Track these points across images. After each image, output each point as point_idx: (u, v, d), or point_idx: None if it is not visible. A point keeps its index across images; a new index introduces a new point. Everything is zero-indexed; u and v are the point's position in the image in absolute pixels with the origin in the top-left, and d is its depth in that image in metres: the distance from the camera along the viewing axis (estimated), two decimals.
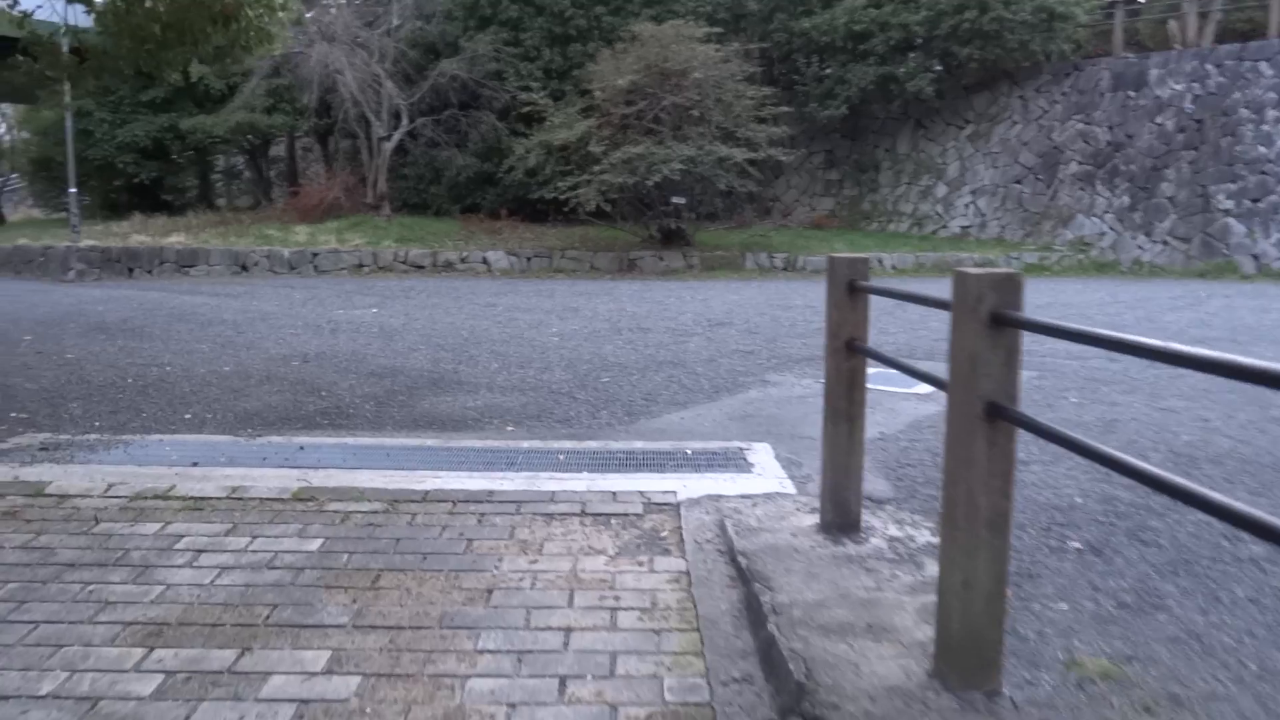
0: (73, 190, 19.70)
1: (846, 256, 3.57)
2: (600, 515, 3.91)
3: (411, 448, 4.90)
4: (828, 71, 20.95)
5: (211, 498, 4.12)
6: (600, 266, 17.35)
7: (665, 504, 4.09)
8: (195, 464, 4.59)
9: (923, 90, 19.71)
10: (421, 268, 17.28)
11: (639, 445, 4.97)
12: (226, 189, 32.08)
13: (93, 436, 5.04)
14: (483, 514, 3.91)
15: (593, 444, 4.99)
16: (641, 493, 4.23)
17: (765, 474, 4.53)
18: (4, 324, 9.56)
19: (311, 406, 5.78)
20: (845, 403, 3.62)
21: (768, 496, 4.21)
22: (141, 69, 8.15)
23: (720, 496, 4.19)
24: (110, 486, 4.28)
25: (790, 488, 4.33)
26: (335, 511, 3.95)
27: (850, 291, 3.55)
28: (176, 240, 17.69)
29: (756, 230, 19.77)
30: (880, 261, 17.81)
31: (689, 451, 4.84)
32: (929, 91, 19.83)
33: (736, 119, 16.83)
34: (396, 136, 20.37)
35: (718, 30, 17.93)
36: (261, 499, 4.10)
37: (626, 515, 3.93)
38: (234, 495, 4.15)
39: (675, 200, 17.10)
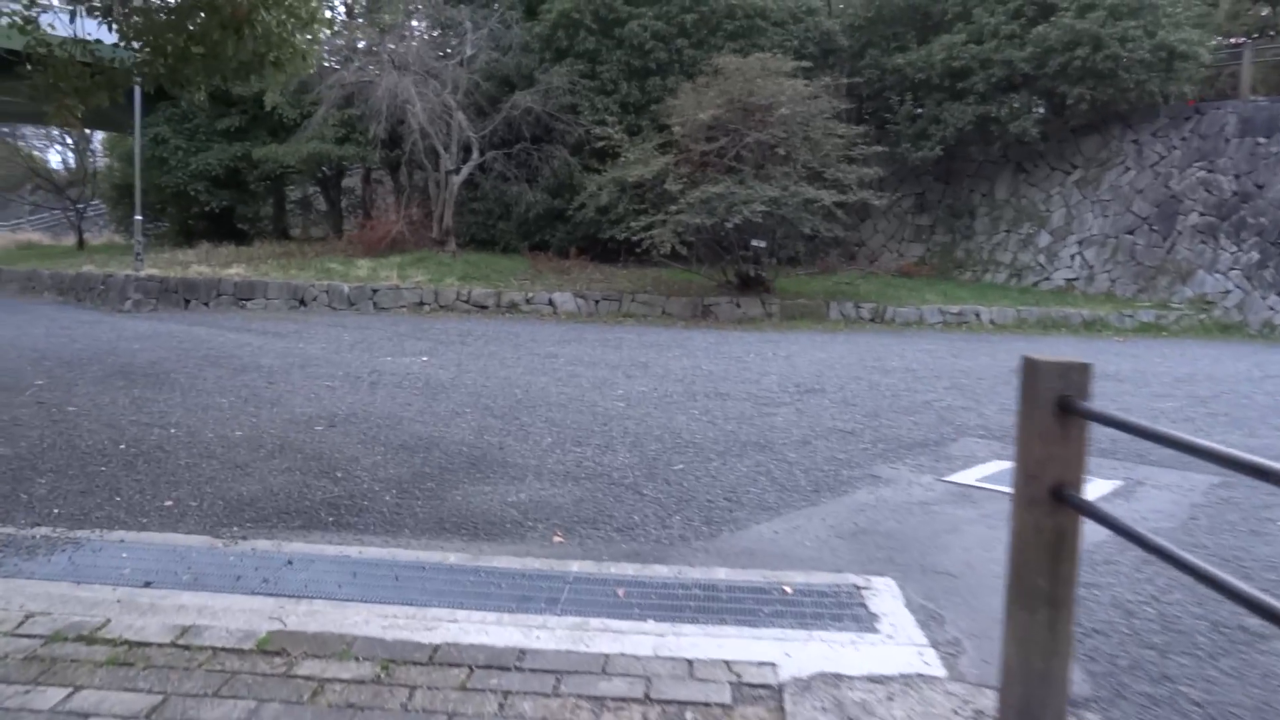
0: (138, 218, 19.40)
1: (1056, 363, 2.37)
2: (670, 705, 2.76)
3: (428, 566, 3.79)
4: (921, 110, 19.66)
5: (150, 643, 3.08)
6: (673, 313, 16.24)
7: (763, 686, 2.93)
8: (148, 583, 3.55)
9: (1026, 132, 18.30)
10: (484, 308, 16.39)
11: (722, 575, 3.79)
12: (302, 219, 31.96)
13: (41, 532, 4.04)
14: (507, 693, 2.80)
15: (662, 570, 3.83)
16: (728, 664, 3.06)
17: (896, 634, 3.31)
18: (25, 363, 8.81)
19: (320, 494, 4.72)
20: (1047, 580, 2.41)
21: (906, 681, 3.01)
22: (162, 85, 7.36)
23: (840, 678, 3.00)
24: (27, 618, 3.26)
25: (935, 663, 3.12)
26: (306, 678, 2.87)
27: (1062, 414, 2.35)
28: (236, 272, 17.11)
29: (841, 277, 18.47)
30: (978, 315, 16.38)
31: (788, 590, 3.65)
32: (1033, 133, 18.40)
33: (824, 158, 15.65)
34: (466, 170, 19.65)
35: (806, 64, 16.83)
36: (215, 649, 3.05)
37: (708, 707, 2.77)
38: (180, 641, 3.10)
39: (755, 244, 15.94)
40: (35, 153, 42.76)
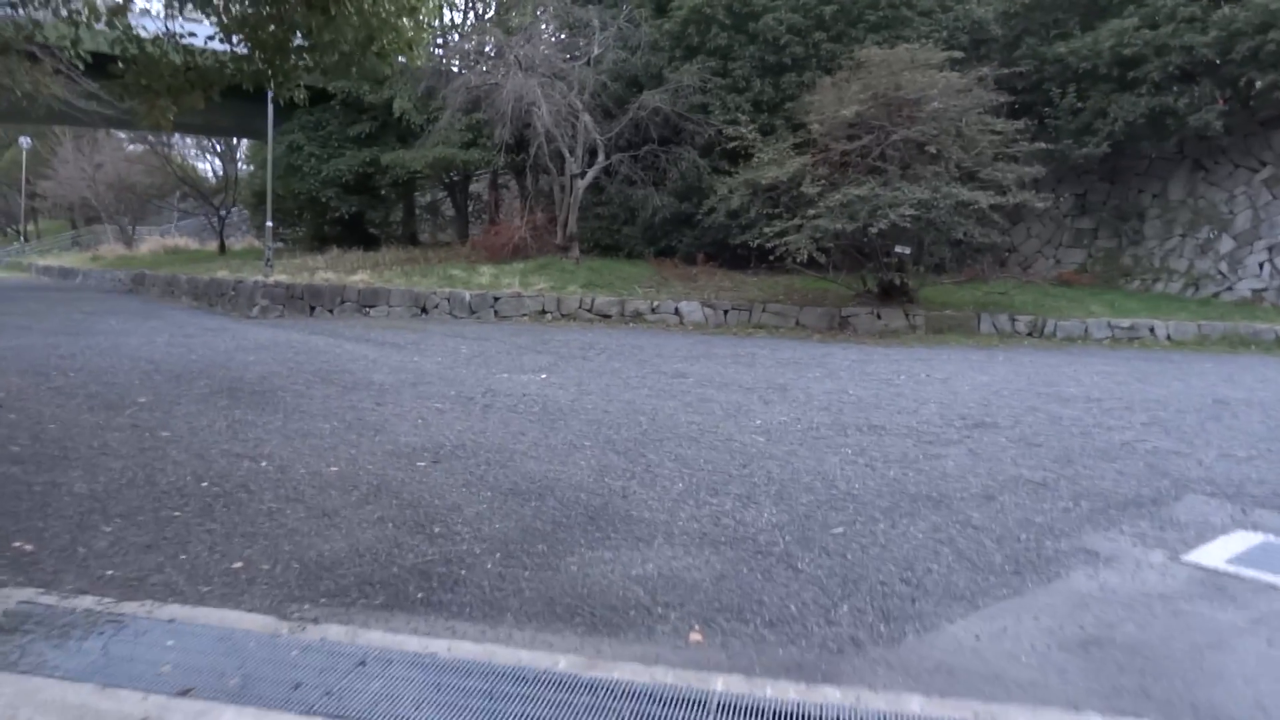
0: (268, 224, 19.60)
1: None
2: None
3: (532, 677, 2.96)
4: (1085, 103, 17.90)
5: None
6: (807, 324, 15.14)
7: None
8: (187, 690, 2.83)
9: (1209, 125, 16.36)
10: (608, 317, 15.68)
11: (917, 709, 2.83)
12: (431, 225, 32.15)
13: (84, 604, 3.40)
14: None
15: (835, 694, 2.90)
16: None
17: None
18: (136, 376, 8.50)
19: (411, 556, 3.97)
20: None
21: None
22: (261, 82, 6.82)
23: None
24: None
25: None
26: None
27: None
28: (360, 279, 16.94)
29: (992, 286, 16.94)
30: (1152, 330, 14.68)
31: None
32: (1216, 127, 16.44)
33: (979, 156, 14.28)
34: (591, 173, 19.02)
35: (958, 54, 15.45)
36: None
37: None
38: None
39: (899, 250, 14.69)
40: (189, 160, 44.92)
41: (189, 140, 43.90)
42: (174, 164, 38.90)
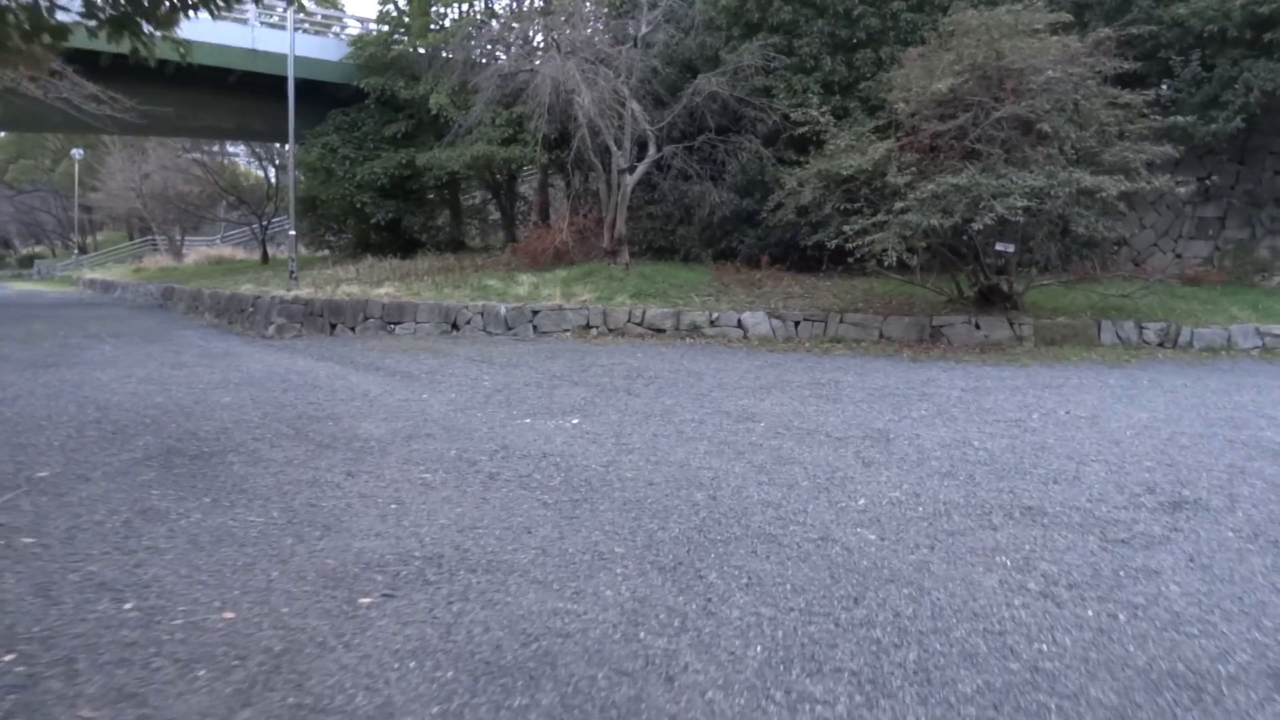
0: (291, 233, 18.06)
1: None
2: None
3: None
4: (1210, 72, 15.40)
5: None
6: (893, 336, 12.99)
7: None
8: None
9: None
10: (660, 331, 13.72)
11: None
12: (477, 228, 30.47)
13: None
14: None
15: None
16: None
17: None
18: (68, 432, 6.76)
19: None
20: None
21: None
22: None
23: None
24: None
25: None
26: None
27: None
28: (386, 292, 15.24)
29: (1107, 287, 14.55)
30: None
31: None
32: None
33: (1100, 135, 12.00)
34: (641, 168, 17.07)
35: (1066, 18, 13.13)
36: None
37: None
38: None
39: (1003, 248, 12.46)
40: (245, 168, 44.05)
41: (241, 149, 43.13)
42: (217, 172, 37.93)
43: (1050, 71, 11.68)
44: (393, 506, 4.95)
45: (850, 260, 12.77)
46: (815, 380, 9.54)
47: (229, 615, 3.51)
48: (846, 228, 12.07)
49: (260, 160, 39.75)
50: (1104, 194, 11.03)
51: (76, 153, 45.74)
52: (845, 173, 12.20)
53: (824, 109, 14.06)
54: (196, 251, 39.88)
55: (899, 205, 11.51)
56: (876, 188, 12.32)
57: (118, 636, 3.31)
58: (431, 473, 5.67)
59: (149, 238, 46.19)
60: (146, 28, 5.35)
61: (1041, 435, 6.82)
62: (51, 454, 6.04)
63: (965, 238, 12.18)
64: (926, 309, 13.52)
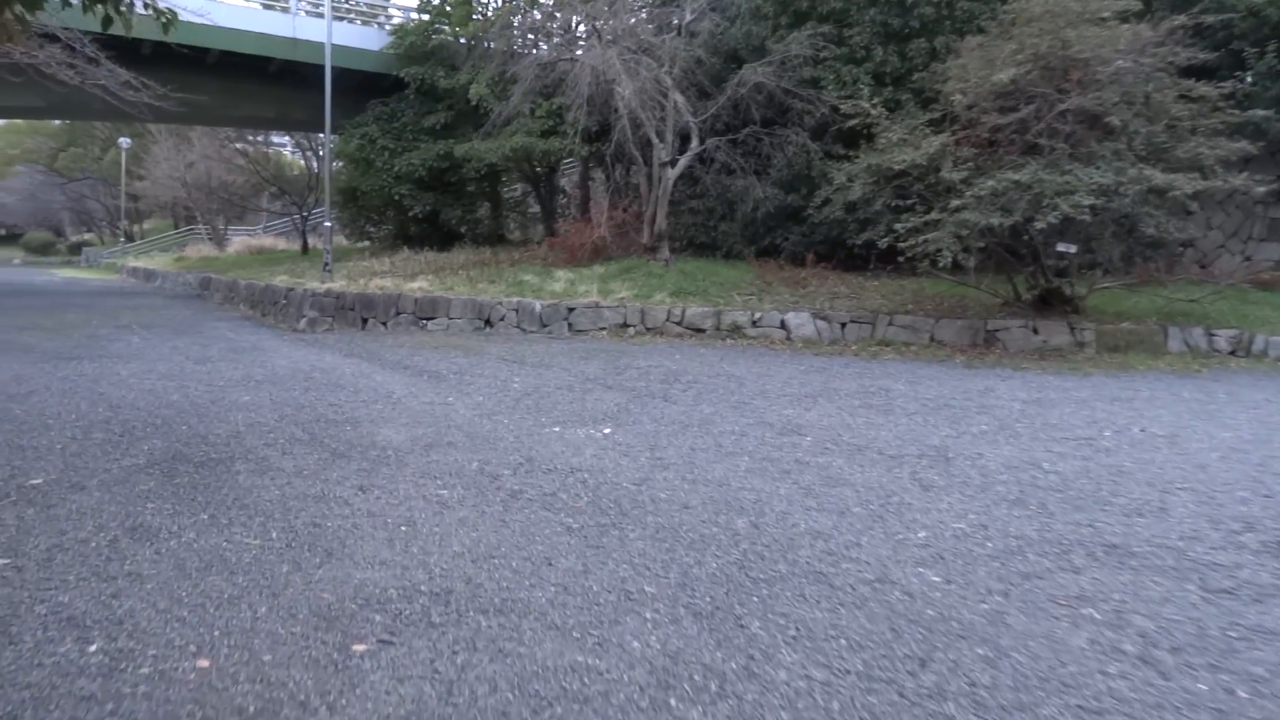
0: (327, 225, 17.78)
1: None
2: None
3: None
4: None
5: None
6: (945, 340, 12.36)
7: None
8: None
9: None
10: (700, 331, 13.21)
11: None
12: (517, 221, 30.10)
13: None
14: None
15: None
16: None
17: None
18: (73, 432, 6.42)
19: None
20: None
21: None
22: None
23: None
24: None
25: None
26: None
27: None
28: (419, 287, 14.89)
29: (1173, 291, 13.75)
30: None
31: None
32: None
33: (1172, 130, 11.27)
34: (683, 161, 16.54)
35: (1135, 5, 12.36)
36: None
37: None
38: None
39: (1064, 249, 11.77)
40: (290, 157, 44.18)
41: (287, 139, 43.20)
42: (260, 161, 38.00)
43: (1119, 62, 10.97)
44: (403, 528, 4.52)
45: (902, 259, 12.15)
46: (864, 388, 8.98)
47: (203, 663, 3.08)
48: (898, 226, 11.48)
49: (303, 150, 39.79)
50: (1178, 193, 10.33)
51: (124, 141, 46.17)
52: (898, 168, 11.62)
53: (875, 101, 13.45)
54: (239, 241, 40.03)
55: (955, 203, 10.89)
56: (930, 184, 11.72)
57: (74, 688, 2.90)
58: (449, 489, 5.23)
59: (193, 227, 46.57)
60: None
61: (1116, 456, 6.22)
62: (51, 458, 5.70)
63: (1025, 237, 11.52)
64: (980, 312, 12.87)
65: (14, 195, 65.68)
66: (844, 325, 12.90)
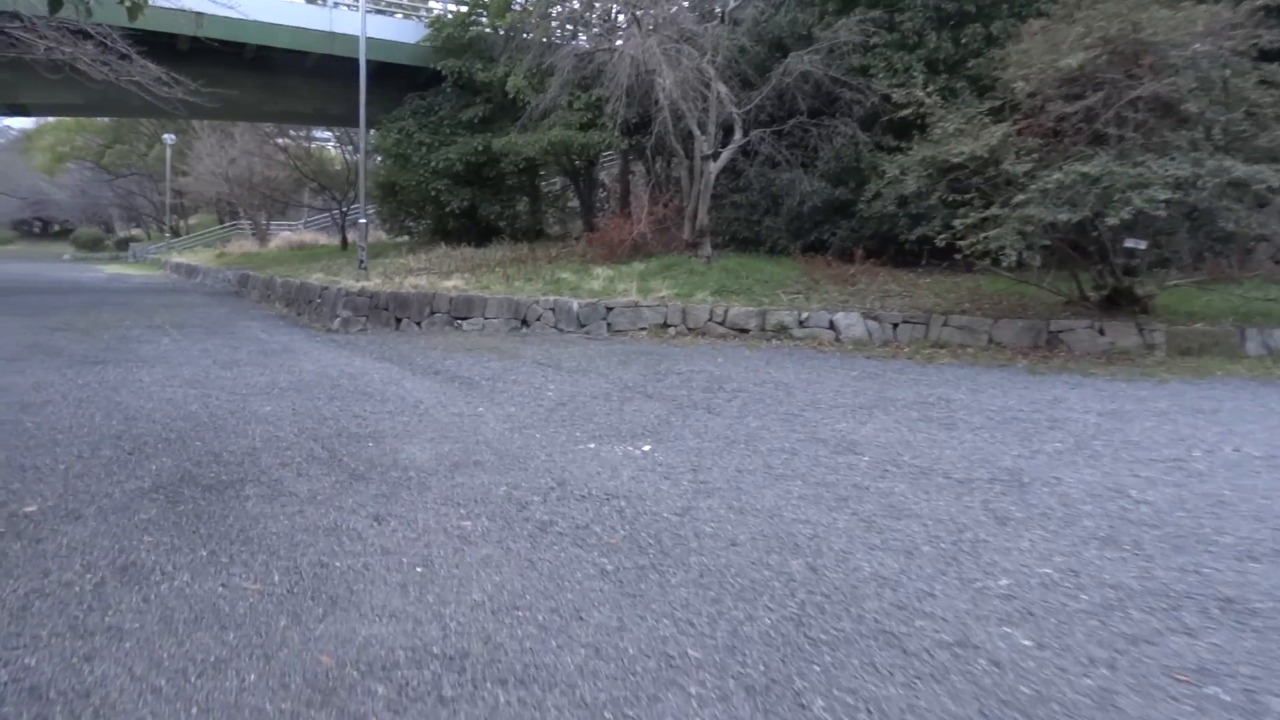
0: (362, 221, 17.48)
1: None
2: None
3: None
4: None
5: None
6: (1004, 342, 11.70)
7: None
8: None
9: None
10: (744, 331, 12.66)
11: None
12: (557, 217, 29.69)
13: None
14: None
15: None
16: None
17: None
18: (80, 448, 6.06)
19: None
20: None
21: None
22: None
23: None
24: None
25: None
26: None
27: None
28: (454, 285, 14.51)
29: (1252, 289, 12.91)
30: None
31: None
32: None
33: (1253, 118, 10.50)
34: (726, 154, 15.96)
35: None
36: None
37: None
38: None
39: (1134, 245, 11.04)
40: (334, 152, 44.18)
41: (330, 134, 43.20)
42: (301, 157, 38.00)
43: (1195, 45, 10.22)
44: (419, 570, 4.06)
45: (957, 256, 11.48)
46: (922, 397, 8.39)
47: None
48: (956, 222, 10.83)
49: (343, 145, 39.74)
50: (1261, 185, 9.58)
51: (168, 137, 46.54)
52: (955, 159, 10.96)
53: (929, 89, 12.78)
54: (280, 237, 40.12)
55: (1019, 197, 10.22)
56: (990, 177, 11.05)
57: None
58: (473, 519, 4.77)
59: (236, 222, 46.84)
60: None
61: (1212, 482, 5.59)
62: (52, 480, 5.33)
63: (1094, 233, 10.81)
64: (1042, 311, 12.17)
65: (65, 192, 66.82)
66: (896, 326, 12.28)
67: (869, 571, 4.09)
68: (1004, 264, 10.31)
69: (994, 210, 10.55)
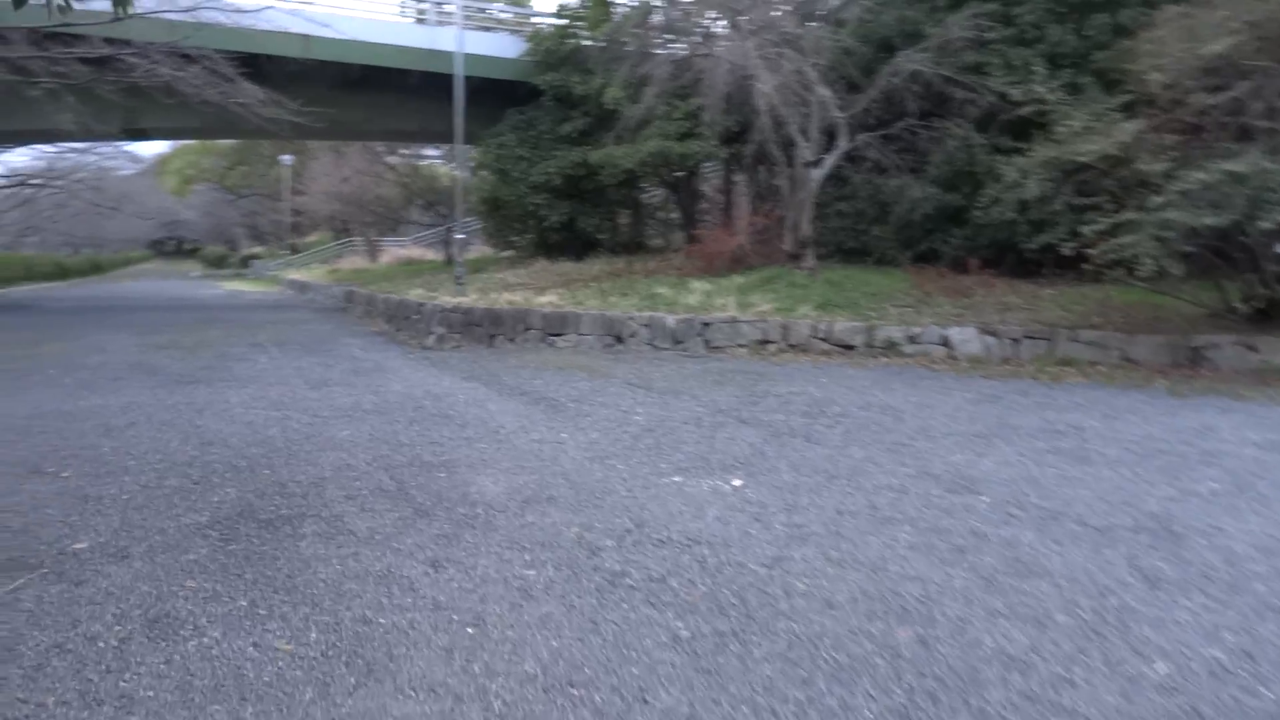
0: (459, 237, 17.45)
1: None
2: None
3: None
4: None
5: None
6: (1139, 358, 10.66)
7: None
8: None
9: None
10: (849, 348, 11.93)
11: None
12: (658, 228, 29.31)
13: None
14: None
15: None
16: None
17: None
18: (149, 476, 5.87)
19: None
20: None
21: None
22: None
23: None
24: None
25: None
26: None
27: None
28: (548, 301, 14.22)
29: None
30: None
31: None
32: None
33: None
34: (830, 160, 15.23)
35: None
36: None
37: None
38: None
39: None
40: (444, 169, 45.07)
41: (438, 151, 44.09)
42: (409, 174, 38.75)
43: None
44: (469, 630, 3.60)
45: (1086, 267, 10.52)
46: (1048, 424, 7.56)
47: None
48: (1085, 228, 9.90)
49: (449, 162, 40.38)
50: None
51: (285, 158, 48.23)
52: (1082, 160, 10.04)
53: (1051, 85, 11.82)
54: (390, 253, 40.98)
55: (1156, 200, 9.25)
56: (1122, 178, 10.08)
57: None
58: (538, 566, 4.30)
59: (349, 239, 48.16)
60: None
61: None
62: (111, 513, 5.11)
63: (1242, 238, 9.72)
64: (1182, 325, 11.07)
65: (194, 212, 70.39)
66: (1017, 342, 11.35)
67: (991, 647, 3.44)
68: (1140, 274, 9.33)
69: (1127, 215, 9.59)
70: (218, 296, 31.95)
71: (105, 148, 42.79)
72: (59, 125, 16.60)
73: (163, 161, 66.12)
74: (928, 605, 3.83)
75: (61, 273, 50.67)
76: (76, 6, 4.75)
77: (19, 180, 45.84)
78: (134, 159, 59.54)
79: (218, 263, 65.87)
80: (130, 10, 4.16)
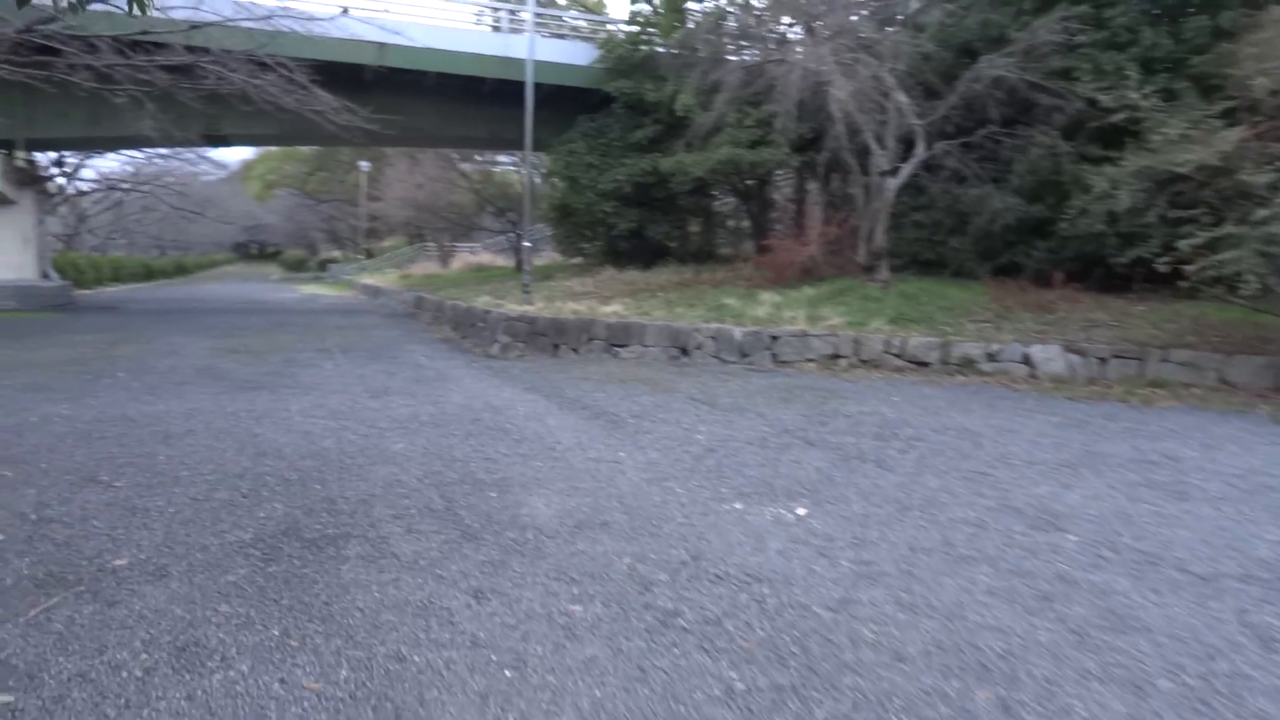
0: (526, 244, 17.37)
1: None
2: None
3: None
4: None
5: None
6: (1237, 381, 9.98)
7: None
8: None
9: None
10: (924, 365, 11.45)
11: None
12: (728, 237, 28.96)
13: None
14: None
15: None
16: None
17: None
18: (198, 489, 5.79)
19: None
20: None
21: None
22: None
23: None
24: None
25: None
26: None
27: None
28: (613, 311, 14.01)
29: None
30: None
31: None
32: None
33: None
34: (906, 169, 14.73)
35: None
36: None
37: None
38: None
39: None
40: (518, 175, 45.42)
41: (511, 158, 44.44)
42: (481, 181, 39.07)
43: None
44: (507, 673, 3.36)
45: (1182, 283, 9.89)
46: (1141, 453, 7.05)
47: None
48: (1181, 242, 9.30)
49: (521, 169, 40.63)
50: None
51: (363, 164, 49.14)
52: (1179, 169, 9.44)
53: (1145, 91, 11.20)
54: (461, 258, 41.41)
55: (1260, 213, 8.63)
56: (1222, 189, 9.46)
57: None
58: (585, 601, 4.04)
59: (423, 244, 48.83)
60: None
61: None
62: (156, 527, 5.01)
63: None
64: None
65: (275, 216, 72.27)
66: (1104, 361, 10.74)
67: (1085, 716, 3.06)
68: (1243, 292, 8.71)
69: (1228, 228, 8.97)
70: (294, 300, 32.55)
71: (189, 153, 44.14)
72: (142, 131, 17.00)
73: (247, 167, 68.09)
74: (1010, 662, 3.46)
75: (148, 274, 52.42)
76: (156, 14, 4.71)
77: (108, 184, 47.56)
78: (218, 164, 61.34)
79: (297, 266, 67.52)
80: (148, 10, 4.04)
